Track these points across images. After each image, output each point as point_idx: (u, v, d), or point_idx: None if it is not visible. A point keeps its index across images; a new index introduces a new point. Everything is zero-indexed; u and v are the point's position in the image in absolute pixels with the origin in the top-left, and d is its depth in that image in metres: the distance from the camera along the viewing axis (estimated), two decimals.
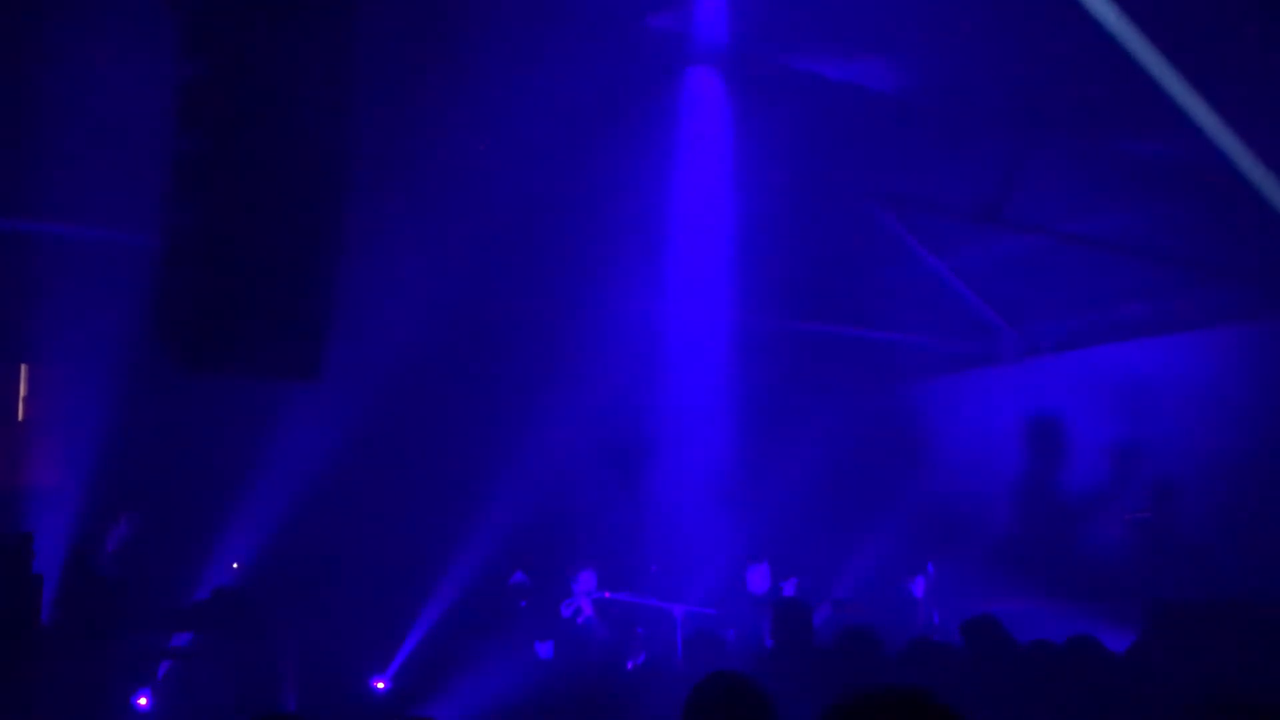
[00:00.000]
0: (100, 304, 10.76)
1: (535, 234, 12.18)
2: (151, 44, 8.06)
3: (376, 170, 9.57)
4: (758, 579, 12.77)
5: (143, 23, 8.28)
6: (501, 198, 11.30)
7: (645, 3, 10.17)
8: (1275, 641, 7.16)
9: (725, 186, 12.32)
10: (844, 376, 15.39)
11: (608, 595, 12.67)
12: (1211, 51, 9.69)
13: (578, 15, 9.77)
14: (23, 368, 12.27)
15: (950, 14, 9.90)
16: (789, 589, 12.43)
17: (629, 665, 12.45)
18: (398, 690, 12.32)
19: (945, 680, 7.04)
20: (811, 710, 2.96)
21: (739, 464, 14.10)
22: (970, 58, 10.60)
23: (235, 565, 11.94)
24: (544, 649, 12.63)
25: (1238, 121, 10.01)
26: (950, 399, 15.83)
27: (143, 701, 10.38)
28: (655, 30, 10.56)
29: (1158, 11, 9.22)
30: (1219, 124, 10.01)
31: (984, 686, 7.34)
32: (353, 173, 8.01)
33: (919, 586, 13.28)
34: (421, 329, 11.94)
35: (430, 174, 10.93)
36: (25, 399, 12.26)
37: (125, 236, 10.81)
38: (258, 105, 7.54)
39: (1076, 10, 9.11)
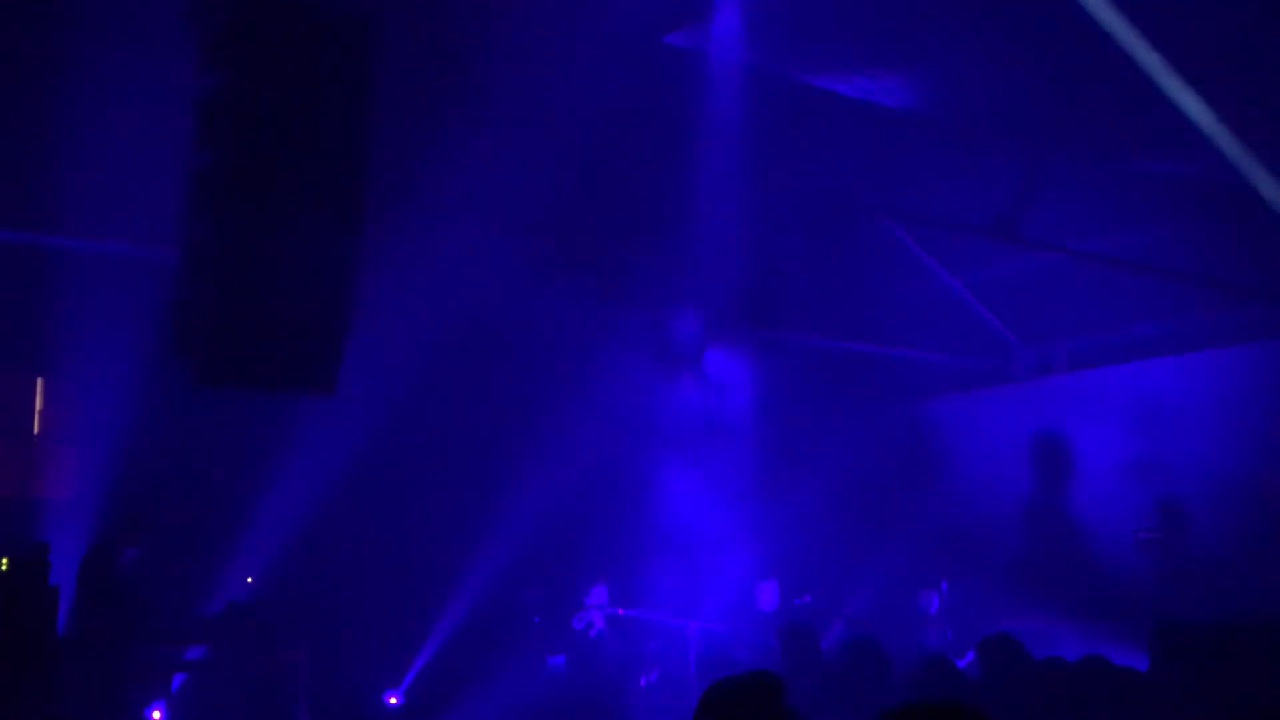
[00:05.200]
0: (116, 317, 10.79)
1: (550, 248, 12.19)
2: (170, 60, 8.10)
3: (393, 185, 9.59)
4: (767, 596, 12.77)
5: (161, 39, 8.32)
6: (516, 213, 11.33)
7: (663, 21, 10.20)
8: None
9: (741, 202, 12.32)
10: (857, 393, 15.37)
11: (621, 612, 12.68)
12: (1228, 70, 9.69)
13: (595, 33, 9.79)
14: (38, 380, 12.32)
15: (966, 32, 9.91)
16: (801, 606, 12.44)
17: (642, 682, 12.44)
18: (411, 705, 12.33)
19: (958, 699, 7.03)
20: None
21: (753, 480, 14.08)
22: (986, 75, 10.61)
23: (249, 579, 11.95)
24: (556, 663, 12.64)
25: (1253, 139, 10.01)
26: (963, 416, 15.79)
27: (156, 715, 10.39)
28: (673, 48, 10.59)
29: (1174, 30, 9.23)
30: (1234, 142, 10.01)
31: (997, 706, 7.32)
32: (368, 186, 8.04)
33: (932, 604, 13.27)
34: (435, 344, 11.97)
35: (446, 189, 10.96)
36: (41, 412, 12.30)
37: (142, 251, 10.85)
38: (275, 121, 7.59)
39: (1092, 28, 9.13)
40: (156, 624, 10.60)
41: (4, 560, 8.86)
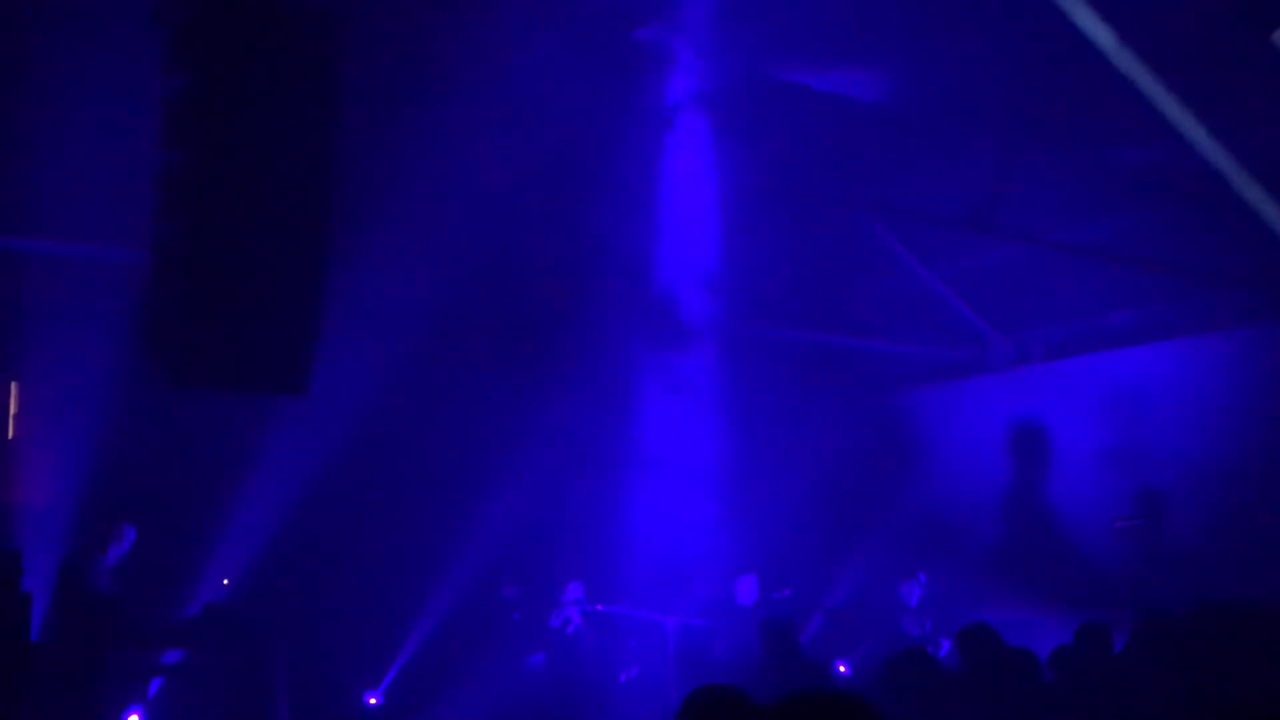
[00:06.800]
0: (89, 320, 10.75)
1: (523, 246, 12.17)
2: (137, 60, 8.06)
3: (363, 183, 9.56)
4: (746, 590, 12.77)
5: (128, 39, 8.28)
6: (489, 210, 11.30)
7: (632, 15, 10.18)
8: (1264, 647, 7.16)
9: (714, 197, 12.32)
10: (835, 386, 15.39)
11: (599, 608, 12.67)
12: (1196, 60, 9.73)
13: (564, 28, 9.77)
14: (13, 385, 12.25)
15: (937, 24, 9.92)
16: (781, 600, 12.44)
17: (621, 678, 12.44)
18: (390, 705, 12.31)
19: (935, 689, 7.05)
20: None
21: (731, 474, 14.08)
22: (957, 67, 10.61)
23: (226, 581, 11.91)
24: (535, 661, 12.63)
25: (1223, 128, 10.04)
26: (941, 407, 15.83)
27: (134, 719, 10.36)
28: (642, 42, 10.57)
29: (1143, 21, 9.26)
30: (1204, 131, 10.04)
31: (975, 695, 7.32)
32: (339, 186, 8.00)
33: (912, 595, 13.30)
34: (410, 343, 11.94)
35: (417, 187, 10.92)
36: (15, 416, 12.23)
37: (114, 253, 10.81)
38: (243, 120, 7.54)
39: (1063, 20, 9.15)
40: (133, 628, 10.55)
41: None
